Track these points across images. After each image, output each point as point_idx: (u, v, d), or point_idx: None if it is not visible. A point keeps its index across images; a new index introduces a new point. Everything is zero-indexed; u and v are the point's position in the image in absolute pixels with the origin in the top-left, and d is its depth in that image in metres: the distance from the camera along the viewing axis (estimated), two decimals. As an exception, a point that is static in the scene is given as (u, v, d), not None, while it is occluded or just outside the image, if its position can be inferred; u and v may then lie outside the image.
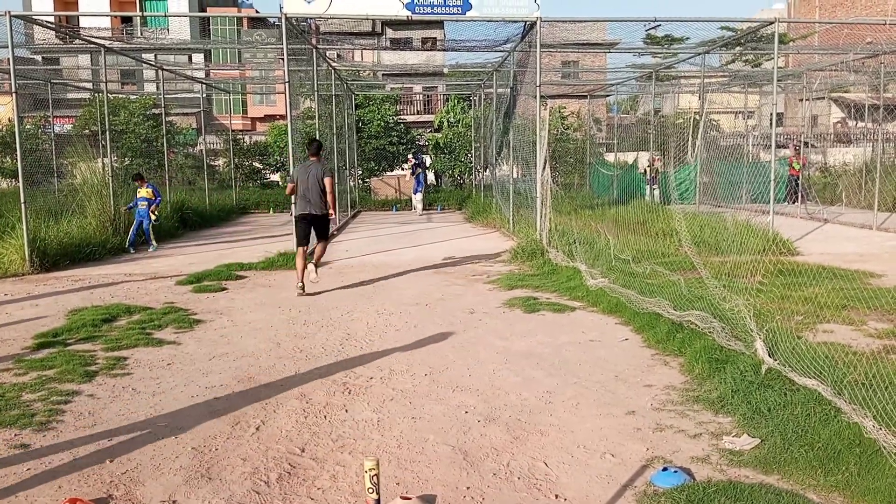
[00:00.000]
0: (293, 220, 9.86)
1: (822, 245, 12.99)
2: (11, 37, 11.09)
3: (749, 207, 16.14)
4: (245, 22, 45.06)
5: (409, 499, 3.62)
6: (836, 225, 16.42)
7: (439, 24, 35.57)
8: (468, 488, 3.84)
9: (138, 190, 13.75)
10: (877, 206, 15.79)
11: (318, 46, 15.97)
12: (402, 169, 27.20)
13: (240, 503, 3.70)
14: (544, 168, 11.99)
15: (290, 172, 10.23)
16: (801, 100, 25.53)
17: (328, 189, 9.28)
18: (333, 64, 20.05)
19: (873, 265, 10.50)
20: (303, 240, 9.46)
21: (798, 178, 19.97)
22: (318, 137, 15.45)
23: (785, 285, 8.36)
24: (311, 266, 9.45)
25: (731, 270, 8.28)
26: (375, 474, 2.59)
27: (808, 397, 4.62)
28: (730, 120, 38.49)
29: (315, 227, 9.61)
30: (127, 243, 13.34)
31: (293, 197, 9.67)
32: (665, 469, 3.90)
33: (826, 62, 19.91)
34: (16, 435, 4.59)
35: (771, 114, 14.63)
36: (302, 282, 9.30)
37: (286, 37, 12.16)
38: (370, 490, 2.61)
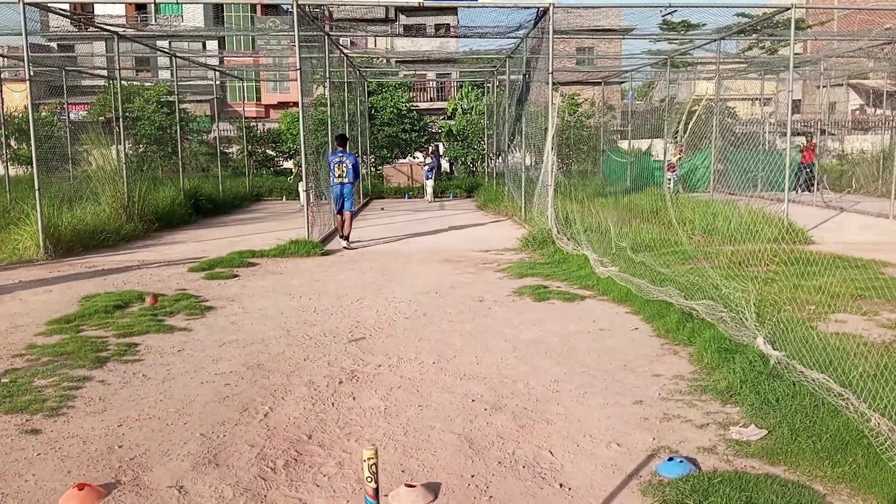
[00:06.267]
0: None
1: (837, 234, 12.86)
2: (25, 24, 11.15)
3: (763, 195, 15.99)
4: (258, 9, 44.96)
5: (414, 486, 3.63)
6: (852, 213, 16.25)
7: (452, 10, 35.48)
8: (473, 476, 3.85)
9: None
10: (893, 195, 15.58)
11: (331, 34, 15.93)
12: (416, 157, 27.19)
13: (246, 489, 3.73)
14: (551, 155, 11.92)
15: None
16: (819, 86, 25.20)
17: None
18: (346, 51, 20.02)
19: (888, 254, 10.38)
20: None
21: (812, 165, 19.74)
22: (330, 124, 15.47)
23: (798, 274, 8.29)
24: None
25: (744, 259, 8.22)
26: (374, 463, 2.60)
27: (817, 388, 4.58)
28: (746, 107, 38.08)
29: None
30: None
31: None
32: (671, 459, 3.89)
33: (844, 48, 19.62)
34: (27, 420, 4.65)
35: (787, 101, 14.45)
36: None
37: (298, 24, 12.14)
38: (369, 479, 2.62)
